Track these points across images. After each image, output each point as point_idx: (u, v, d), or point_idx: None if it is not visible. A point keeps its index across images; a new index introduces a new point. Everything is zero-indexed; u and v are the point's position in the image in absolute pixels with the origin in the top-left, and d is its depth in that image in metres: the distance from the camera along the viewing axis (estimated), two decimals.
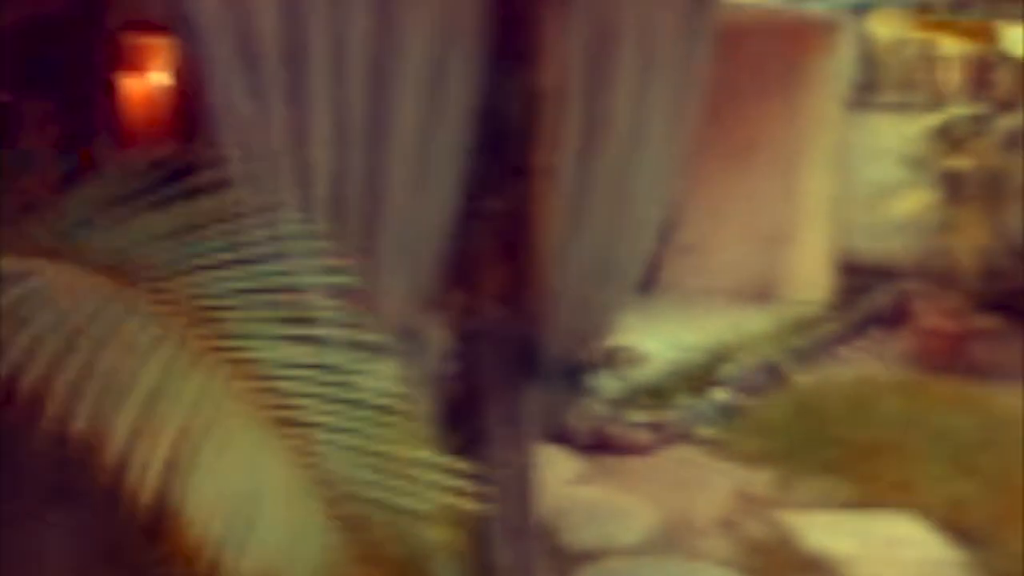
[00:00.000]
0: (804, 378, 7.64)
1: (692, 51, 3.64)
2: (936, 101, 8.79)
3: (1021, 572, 4.75)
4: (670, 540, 5.15)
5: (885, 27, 8.69)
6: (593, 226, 3.49)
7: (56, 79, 5.95)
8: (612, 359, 6.03)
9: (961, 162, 8.27)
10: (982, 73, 8.63)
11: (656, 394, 6.67)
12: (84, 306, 2.12)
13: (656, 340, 6.99)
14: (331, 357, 2.42)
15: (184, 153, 2.67)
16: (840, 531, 5.20)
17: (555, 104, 3.34)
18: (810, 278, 9.19)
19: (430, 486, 2.35)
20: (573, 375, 3.92)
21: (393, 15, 2.75)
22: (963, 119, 8.41)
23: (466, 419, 3.38)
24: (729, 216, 9.14)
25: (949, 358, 7.89)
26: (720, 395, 6.86)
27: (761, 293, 9.05)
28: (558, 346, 3.62)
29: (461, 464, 2.38)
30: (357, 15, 2.68)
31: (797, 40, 8.86)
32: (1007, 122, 8.26)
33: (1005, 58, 7.83)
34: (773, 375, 7.41)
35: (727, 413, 6.78)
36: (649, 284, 8.13)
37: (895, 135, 8.79)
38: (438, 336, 3.35)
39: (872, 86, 9.28)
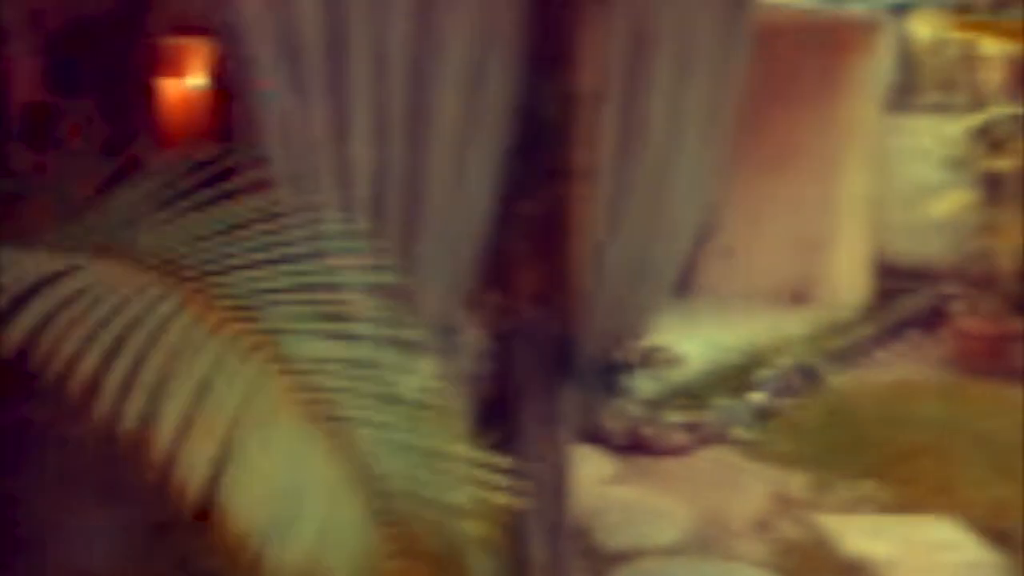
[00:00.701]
0: (841, 381, 7.60)
1: (730, 53, 3.64)
2: (976, 102, 8.70)
3: None
4: (705, 541, 5.14)
5: (925, 27, 8.63)
6: (630, 227, 3.51)
7: (97, 82, 6.05)
8: (648, 360, 6.04)
9: (1001, 163, 8.20)
10: (1023, 73, 8.54)
11: (692, 395, 6.66)
12: (133, 304, 2.17)
13: (693, 342, 6.98)
14: (370, 354, 2.45)
15: (226, 153, 2.71)
16: (878, 534, 5.17)
17: (592, 106, 3.36)
18: (847, 281, 9.14)
19: (467, 481, 2.37)
20: (608, 375, 3.94)
21: (433, 17, 2.79)
22: (1003, 120, 8.32)
23: (502, 418, 3.40)
24: (766, 219, 9.10)
25: (988, 361, 7.82)
26: (756, 397, 6.85)
27: (798, 296, 9.01)
28: (594, 346, 3.63)
29: (498, 460, 2.40)
30: (398, 17, 2.72)
31: (835, 41, 8.80)
32: None
33: None
34: (810, 377, 7.38)
35: (763, 415, 6.76)
36: (686, 287, 8.13)
37: (934, 136, 8.72)
38: (474, 335, 3.37)
39: (911, 87, 9.21)
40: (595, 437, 5.82)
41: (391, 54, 2.73)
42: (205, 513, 1.99)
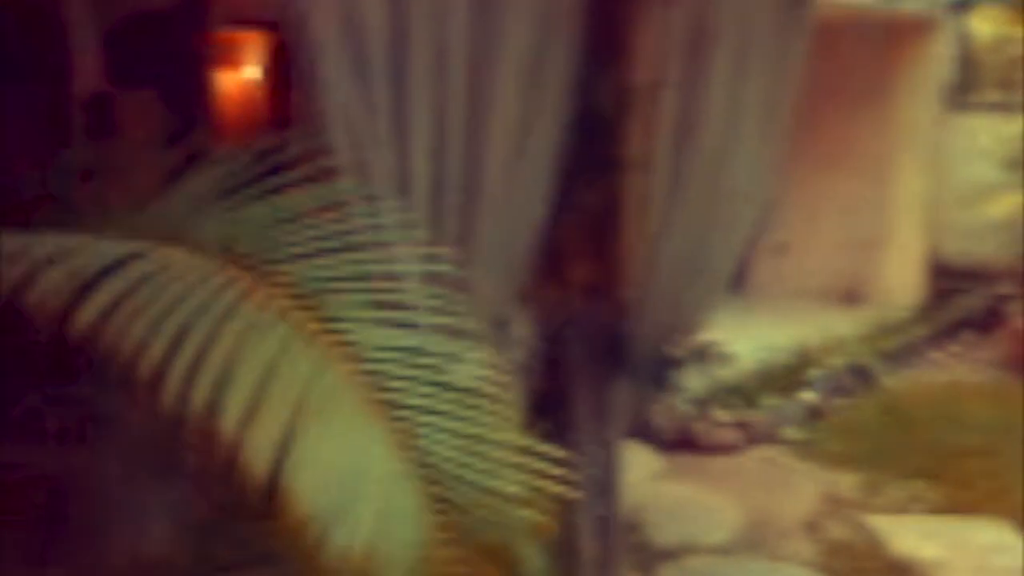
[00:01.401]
0: (894, 381, 7.54)
1: (788, 48, 3.62)
2: None
3: None
4: (753, 541, 5.12)
5: (985, 24, 8.50)
6: (686, 222, 3.50)
7: (158, 73, 6.14)
8: (700, 356, 6.02)
9: None
10: None
11: (743, 393, 6.63)
12: (199, 291, 2.21)
13: (745, 340, 6.94)
14: (427, 343, 2.48)
15: (287, 144, 2.74)
16: (928, 536, 5.13)
17: (649, 98, 3.36)
18: (902, 280, 9.04)
19: (521, 470, 2.39)
20: (659, 370, 3.93)
21: (493, 8, 2.80)
22: None
23: (553, 410, 3.41)
24: (821, 217, 9.03)
25: None
26: (807, 396, 6.80)
27: (852, 295, 8.94)
28: (646, 340, 3.63)
29: (551, 450, 2.41)
30: (459, 7, 2.74)
31: (892, 38, 8.71)
32: None
33: None
34: (862, 377, 7.33)
35: (814, 415, 6.72)
36: (739, 283, 8.08)
37: (993, 136, 8.59)
38: (528, 326, 3.39)
39: (970, 85, 9.08)
40: (643, 433, 5.82)
41: (452, 45, 2.75)
42: (267, 497, 2.03)
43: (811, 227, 9.03)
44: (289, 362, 2.19)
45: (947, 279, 8.98)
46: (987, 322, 8.55)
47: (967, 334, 8.70)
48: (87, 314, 2.05)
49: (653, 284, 3.55)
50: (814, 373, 7.05)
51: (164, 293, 2.17)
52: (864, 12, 7.84)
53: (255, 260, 2.42)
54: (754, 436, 6.34)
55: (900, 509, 5.51)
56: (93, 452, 2.57)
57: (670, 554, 4.86)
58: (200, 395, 2.03)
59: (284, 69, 7.77)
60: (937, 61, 8.91)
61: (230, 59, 8.07)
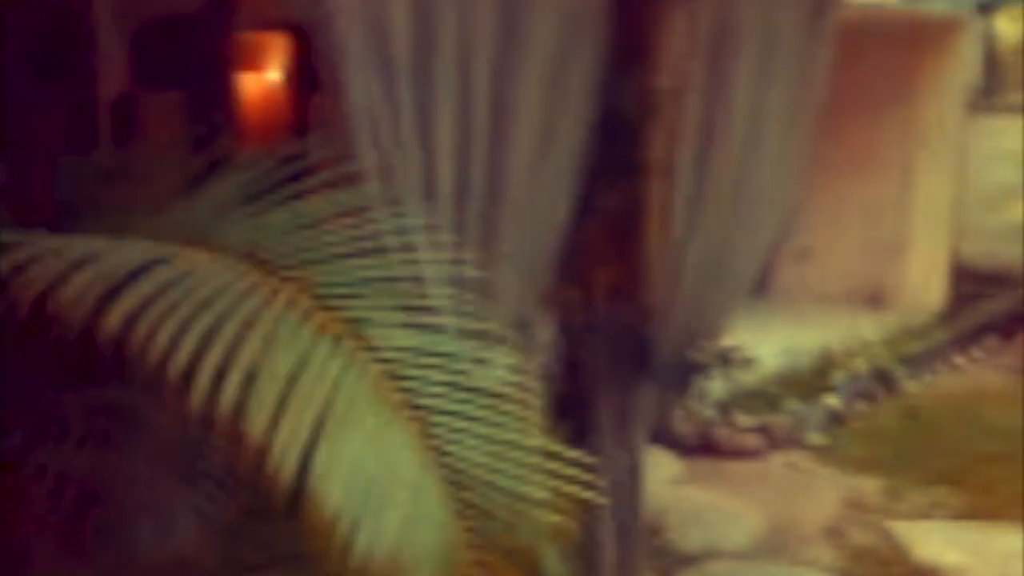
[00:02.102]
0: (916, 386, 7.49)
1: (813, 51, 3.61)
2: None
3: None
4: (775, 546, 5.11)
5: (1011, 25, 8.44)
6: (709, 225, 3.49)
7: (181, 77, 6.17)
8: (723, 361, 6.00)
9: None
10: None
11: (765, 398, 6.60)
12: (225, 294, 2.23)
13: (767, 344, 6.91)
14: (451, 346, 2.49)
15: (311, 148, 2.76)
16: (951, 542, 5.10)
17: (673, 102, 3.36)
18: (924, 284, 8.98)
19: (544, 473, 2.39)
20: (682, 374, 3.93)
21: (517, 12, 2.81)
22: None
23: (576, 414, 3.41)
24: (843, 221, 8.98)
25: None
26: (830, 401, 6.77)
27: (874, 299, 8.89)
28: (669, 344, 3.62)
29: (575, 454, 2.42)
30: (483, 11, 2.75)
31: (917, 40, 8.66)
32: None
33: None
34: (884, 382, 7.29)
35: (837, 419, 6.69)
36: (762, 287, 8.05)
37: (1017, 138, 8.53)
38: (551, 330, 3.39)
39: (995, 87, 9.02)
40: (664, 437, 5.80)
41: (476, 49, 2.76)
42: (294, 499, 2.04)
43: (834, 231, 8.98)
44: (315, 365, 2.21)
45: (970, 283, 8.92)
46: (1011, 327, 8.49)
47: (990, 339, 8.64)
48: (115, 317, 2.07)
49: (676, 288, 3.55)
50: (837, 377, 7.02)
51: (191, 296, 2.18)
52: (888, 14, 7.80)
53: (280, 264, 2.43)
54: (776, 441, 6.31)
55: (923, 515, 5.48)
56: (121, 454, 2.58)
57: (691, 559, 4.85)
58: (228, 398, 2.04)
59: (305, 72, 7.81)
60: (961, 63, 8.85)
61: (252, 62, 8.10)
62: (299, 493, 2.05)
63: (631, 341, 3.55)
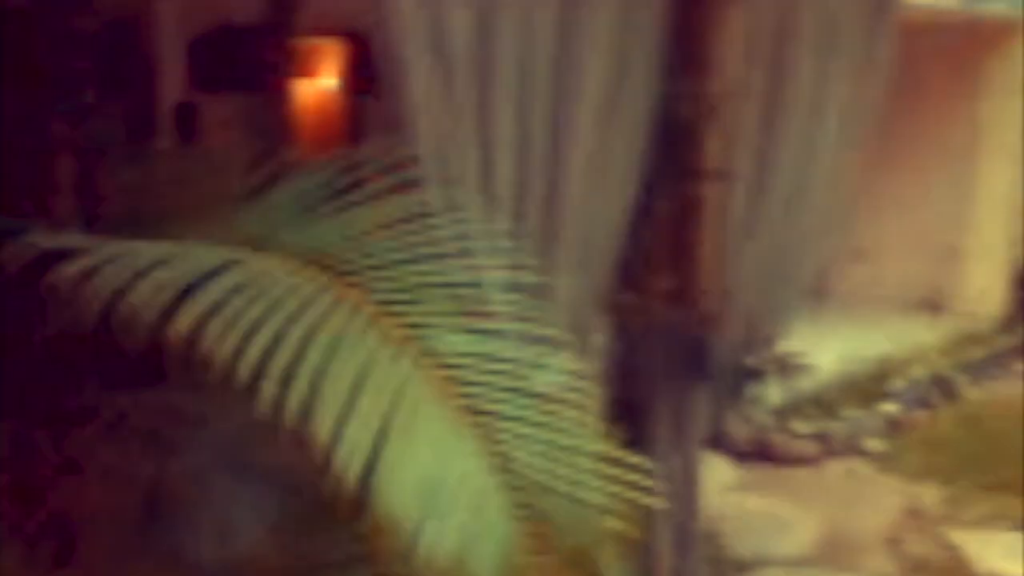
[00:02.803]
0: (977, 393, 7.38)
1: (872, 53, 3.58)
2: None
3: None
4: (832, 555, 5.06)
5: None
6: (767, 229, 3.48)
7: (239, 83, 6.26)
8: (780, 367, 5.96)
9: None
10: None
11: (822, 404, 6.54)
12: (291, 298, 2.26)
13: (823, 349, 6.85)
14: (511, 350, 2.50)
15: (370, 154, 2.78)
16: (1014, 553, 5.01)
17: (730, 105, 3.34)
18: (985, 289, 8.85)
19: (604, 478, 2.39)
20: (738, 380, 3.91)
21: (576, 19, 2.82)
22: None
23: (633, 419, 3.40)
24: (901, 224, 8.88)
25: None
26: (888, 408, 6.69)
27: (933, 304, 8.78)
28: (726, 350, 3.61)
29: (635, 459, 2.42)
30: (543, 17, 2.76)
31: (974, 41, 8.55)
32: None
33: None
34: (944, 389, 7.19)
35: (895, 427, 6.61)
36: (820, 293, 7.98)
37: None
38: (608, 334, 3.39)
39: None
40: (719, 443, 5.77)
41: (536, 55, 2.77)
42: (358, 501, 2.06)
43: (891, 234, 8.89)
44: (380, 369, 2.23)
45: None
46: None
47: None
48: (184, 321, 2.10)
49: (734, 292, 3.53)
50: (895, 384, 6.94)
51: (259, 301, 2.22)
52: (946, 14, 7.71)
53: (343, 270, 2.46)
54: (833, 448, 6.25)
55: (984, 524, 5.39)
56: (187, 455, 2.63)
57: (746, 566, 4.82)
58: (294, 400, 2.07)
59: (360, 78, 7.89)
60: (1019, 64, 8.71)
61: (307, 68, 8.20)
62: (363, 496, 2.07)
63: (688, 347, 3.54)
